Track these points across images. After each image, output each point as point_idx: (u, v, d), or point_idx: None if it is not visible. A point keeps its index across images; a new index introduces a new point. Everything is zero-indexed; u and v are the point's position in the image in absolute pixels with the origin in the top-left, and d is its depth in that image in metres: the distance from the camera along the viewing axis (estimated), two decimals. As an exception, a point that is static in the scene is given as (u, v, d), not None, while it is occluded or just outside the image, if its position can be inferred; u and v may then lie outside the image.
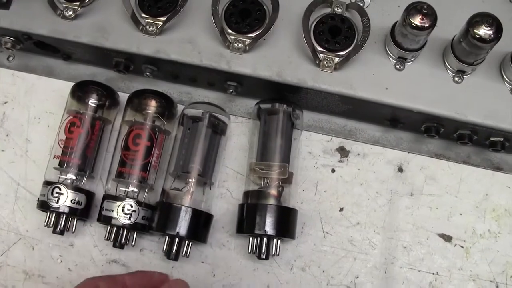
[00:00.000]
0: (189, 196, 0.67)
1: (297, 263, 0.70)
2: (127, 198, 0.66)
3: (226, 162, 0.73)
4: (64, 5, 0.69)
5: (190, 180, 0.68)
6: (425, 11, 0.60)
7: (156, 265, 0.70)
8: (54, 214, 0.67)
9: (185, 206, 0.66)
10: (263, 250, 0.65)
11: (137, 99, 0.71)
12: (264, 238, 0.65)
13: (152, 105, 0.70)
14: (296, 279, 0.69)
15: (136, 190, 0.67)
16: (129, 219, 0.65)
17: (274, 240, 0.66)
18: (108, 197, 0.67)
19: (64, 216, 0.67)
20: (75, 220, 0.68)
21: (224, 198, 0.72)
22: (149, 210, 0.67)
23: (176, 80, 0.75)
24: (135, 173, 0.67)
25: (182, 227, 0.65)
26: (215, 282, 0.69)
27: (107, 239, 0.67)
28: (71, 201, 0.66)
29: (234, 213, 0.69)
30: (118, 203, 0.66)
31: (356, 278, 0.69)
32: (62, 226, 0.67)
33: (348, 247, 0.70)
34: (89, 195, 0.68)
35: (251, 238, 0.67)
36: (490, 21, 0.60)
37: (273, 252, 0.65)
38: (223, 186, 0.72)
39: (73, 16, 0.69)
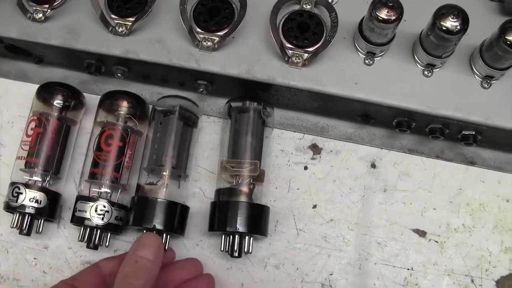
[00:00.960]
0: (164, 189, 0.67)
1: (271, 261, 0.69)
2: (100, 199, 0.66)
3: (198, 161, 0.73)
4: (34, 8, 0.69)
5: (164, 173, 0.68)
6: (391, 4, 0.60)
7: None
8: (18, 215, 0.67)
9: (161, 198, 0.65)
10: (236, 248, 0.65)
11: (109, 101, 0.71)
12: (236, 236, 0.65)
13: (124, 106, 0.70)
14: (270, 277, 0.69)
15: (109, 190, 0.67)
16: (102, 219, 0.65)
17: (246, 237, 0.65)
18: (81, 198, 0.66)
19: (27, 216, 0.66)
20: (41, 220, 0.68)
21: (197, 197, 0.72)
22: (122, 211, 0.67)
23: (148, 81, 0.75)
24: (108, 173, 0.67)
25: (158, 219, 0.64)
26: (189, 281, 0.69)
27: (80, 240, 0.66)
28: (30, 199, 0.66)
29: (207, 212, 0.69)
30: (91, 203, 0.65)
31: (330, 275, 0.69)
32: (25, 226, 0.66)
33: (322, 244, 0.70)
34: (53, 195, 0.68)
35: (223, 236, 0.66)
36: (456, 12, 0.60)
37: (246, 250, 0.65)
38: (196, 186, 0.72)
39: (43, 18, 0.69)
